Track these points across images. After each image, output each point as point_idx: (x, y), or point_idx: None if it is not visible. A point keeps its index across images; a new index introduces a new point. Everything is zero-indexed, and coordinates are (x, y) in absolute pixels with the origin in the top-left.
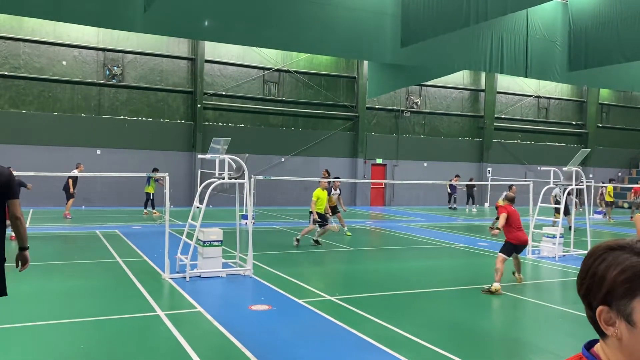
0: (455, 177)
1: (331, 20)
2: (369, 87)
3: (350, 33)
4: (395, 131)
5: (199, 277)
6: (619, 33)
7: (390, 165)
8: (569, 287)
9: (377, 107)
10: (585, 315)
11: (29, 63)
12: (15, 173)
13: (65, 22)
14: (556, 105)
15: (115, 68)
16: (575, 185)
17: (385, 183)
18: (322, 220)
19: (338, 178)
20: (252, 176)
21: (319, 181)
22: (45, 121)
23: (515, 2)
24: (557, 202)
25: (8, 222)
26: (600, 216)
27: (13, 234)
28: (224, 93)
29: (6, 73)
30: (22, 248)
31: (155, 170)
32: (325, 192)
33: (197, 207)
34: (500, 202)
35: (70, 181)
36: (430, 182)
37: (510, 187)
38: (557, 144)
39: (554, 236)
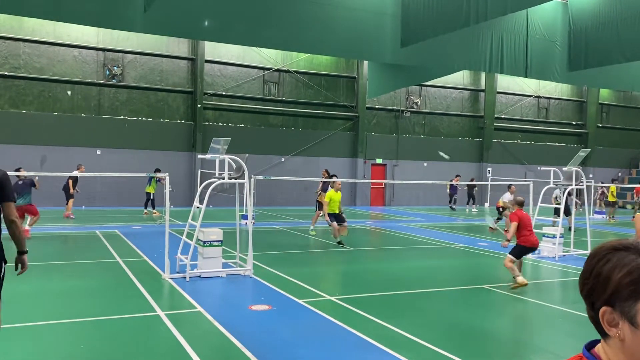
0: (456, 177)
1: (331, 20)
2: (369, 87)
3: (350, 33)
4: (395, 131)
5: (199, 277)
6: (619, 33)
7: (390, 165)
8: (569, 287)
9: (377, 107)
10: (585, 315)
11: (29, 63)
12: (25, 173)
13: (65, 22)
14: (556, 105)
15: (115, 68)
16: (576, 185)
17: (385, 183)
18: (338, 220)
19: (335, 176)
20: (252, 176)
21: (334, 182)
22: (45, 121)
23: (515, 2)
24: (558, 203)
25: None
26: (600, 216)
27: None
28: (224, 93)
29: (6, 73)
30: (20, 252)
31: (157, 170)
32: (339, 194)
33: (197, 207)
34: (502, 203)
35: (71, 182)
36: (430, 182)
37: (509, 186)
38: (557, 144)
39: (554, 236)
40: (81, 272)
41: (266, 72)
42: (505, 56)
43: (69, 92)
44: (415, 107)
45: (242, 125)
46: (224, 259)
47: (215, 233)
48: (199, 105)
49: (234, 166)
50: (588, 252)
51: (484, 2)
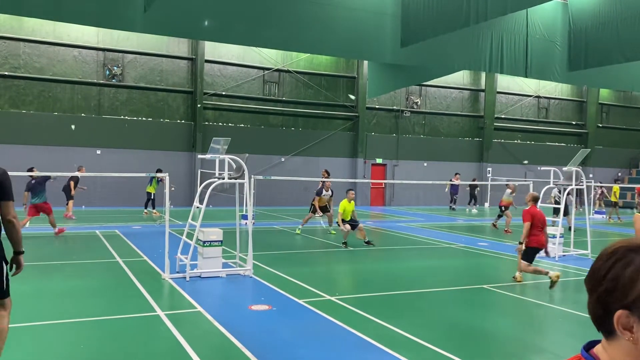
0: (456, 175)
1: (331, 20)
2: (369, 87)
3: (350, 33)
4: (395, 131)
5: (199, 277)
6: (619, 33)
7: (390, 165)
8: (568, 287)
9: (377, 107)
10: (585, 315)
11: (29, 63)
12: (37, 173)
13: (65, 22)
14: (556, 105)
15: (115, 68)
16: (575, 185)
17: (385, 183)
18: (352, 225)
19: (352, 190)
20: (252, 176)
21: (347, 191)
22: (45, 121)
23: (515, 2)
24: (557, 203)
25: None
26: (600, 216)
27: (56, 229)
28: (224, 93)
29: (6, 73)
30: (17, 252)
31: (158, 170)
32: (353, 204)
33: (197, 207)
34: (505, 201)
35: (72, 183)
36: (430, 182)
37: (507, 184)
38: (557, 144)
39: (553, 236)
40: (81, 272)
41: (266, 72)
42: (505, 56)
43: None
44: (415, 107)
45: (242, 125)
46: (224, 259)
47: (215, 233)
48: (199, 105)
49: (234, 166)
50: (588, 252)
51: (484, 2)
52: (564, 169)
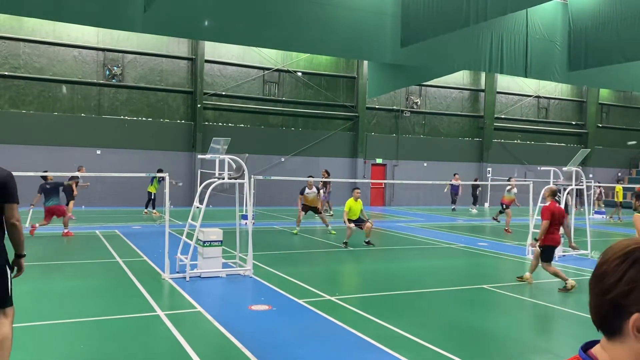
0: (455, 175)
1: (331, 20)
2: (369, 87)
3: (350, 33)
4: (395, 131)
5: (199, 277)
6: (618, 33)
7: (390, 165)
8: None
9: (377, 107)
10: (585, 315)
11: (29, 63)
12: (52, 174)
13: (65, 22)
14: (556, 105)
15: (115, 68)
16: (575, 185)
17: (385, 183)
18: (358, 225)
19: (312, 177)
20: (252, 176)
21: (353, 190)
22: (45, 121)
23: (515, 2)
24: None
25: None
26: (600, 216)
27: (66, 230)
28: (224, 93)
29: (6, 73)
30: (18, 255)
31: (159, 170)
32: (360, 202)
33: (197, 207)
34: (506, 198)
35: (73, 184)
36: (430, 182)
37: (509, 178)
38: (557, 144)
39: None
40: (81, 272)
41: (266, 72)
42: (505, 56)
43: (63, 88)
44: (415, 107)
45: (242, 125)
46: (224, 259)
47: (215, 233)
48: (199, 105)
49: (234, 166)
50: (588, 252)
51: (484, 2)
52: (564, 169)
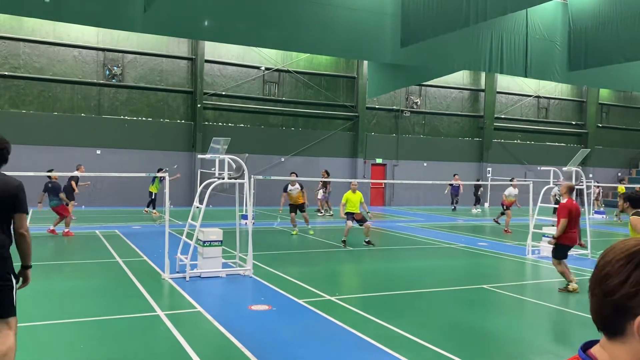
0: (455, 176)
1: (331, 20)
2: (369, 87)
3: (350, 33)
4: (395, 131)
5: (199, 277)
6: (618, 33)
7: (390, 165)
8: None
9: (377, 107)
10: (585, 315)
11: (29, 63)
12: (56, 174)
13: (65, 22)
14: (556, 105)
15: (115, 68)
16: (575, 185)
17: (385, 183)
18: (358, 221)
19: (295, 173)
20: (252, 176)
21: (351, 182)
22: (45, 121)
23: (515, 2)
24: (557, 202)
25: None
26: (600, 216)
27: (66, 230)
28: (224, 93)
29: (6, 73)
30: (25, 266)
31: (160, 170)
32: (359, 194)
33: (197, 207)
34: (506, 198)
35: (73, 183)
36: (430, 182)
37: (512, 179)
38: (557, 144)
39: (553, 236)
40: (81, 272)
41: (266, 72)
42: (505, 56)
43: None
44: (415, 107)
45: (242, 125)
46: (224, 259)
47: (215, 233)
48: (198, 105)
49: (234, 166)
50: (588, 252)
51: (484, 2)
52: (564, 169)
